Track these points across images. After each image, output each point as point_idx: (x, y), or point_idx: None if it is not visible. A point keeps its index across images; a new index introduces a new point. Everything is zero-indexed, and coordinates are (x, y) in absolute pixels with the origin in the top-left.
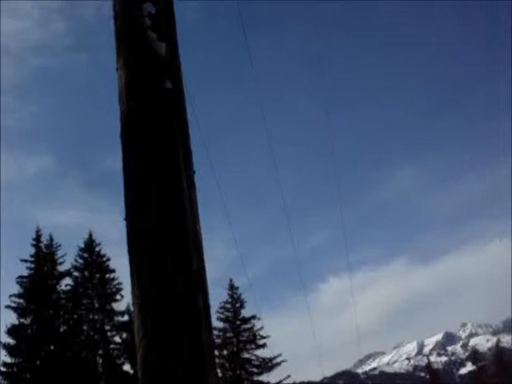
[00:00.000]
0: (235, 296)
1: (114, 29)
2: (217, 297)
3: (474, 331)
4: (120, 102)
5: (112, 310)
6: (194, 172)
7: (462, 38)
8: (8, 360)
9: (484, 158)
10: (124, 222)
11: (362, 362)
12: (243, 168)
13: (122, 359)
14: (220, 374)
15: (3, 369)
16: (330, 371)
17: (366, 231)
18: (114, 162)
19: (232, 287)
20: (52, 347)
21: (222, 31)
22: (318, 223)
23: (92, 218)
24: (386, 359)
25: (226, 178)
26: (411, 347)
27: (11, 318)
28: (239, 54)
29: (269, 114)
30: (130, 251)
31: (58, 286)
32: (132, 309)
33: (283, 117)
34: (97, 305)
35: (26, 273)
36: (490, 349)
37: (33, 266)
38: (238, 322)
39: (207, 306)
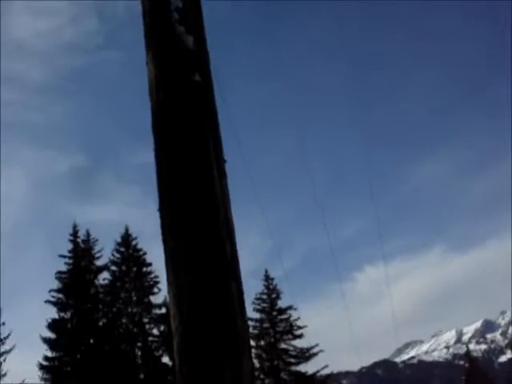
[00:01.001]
0: (271, 287)
1: (142, 24)
2: (253, 288)
3: None
4: (150, 95)
5: (150, 302)
6: (225, 161)
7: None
8: (49, 354)
9: None
10: (158, 214)
11: (400, 351)
12: (275, 159)
13: (161, 351)
14: (257, 365)
15: (45, 363)
16: (367, 361)
17: (399, 221)
18: (147, 155)
19: (267, 278)
20: (92, 341)
21: (254, 24)
22: (353, 213)
23: (128, 212)
24: (424, 348)
25: (259, 167)
26: (450, 335)
27: (51, 313)
28: (270, 44)
29: (301, 105)
30: (164, 241)
31: (96, 281)
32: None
33: (315, 108)
34: (135, 298)
35: (64, 268)
36: None
37: (71, 261)
38: (275, 313)
39: (241, 293)
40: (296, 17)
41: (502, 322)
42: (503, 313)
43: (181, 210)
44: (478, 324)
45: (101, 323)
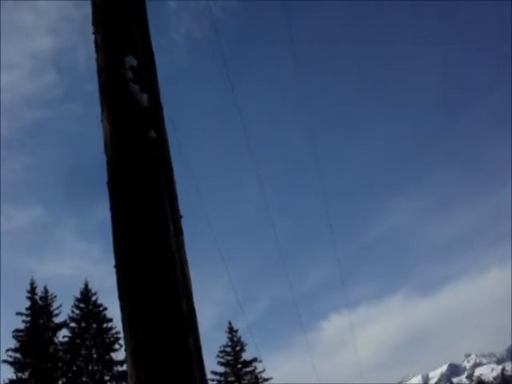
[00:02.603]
0: (235, 339)
1: (97, 82)
2: (218, 341)
3: (478, 361)
4: (106, 152)
5: (111, 359)
6: (181, 216)
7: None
8: None
9: (475, 187)
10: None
11: None
12: (236, 210)
13: None
14: None
15: None
16: None
17: (364, 266)
18: (107, 210)
19: (231, 330)
20: None
21: (208, 73)
22: (317, 261)
23: (87, 267)
24: None
25: (221, 221)
26: (416, 380)
27: (9, 373)
28: (226, 93)
29: (259, 153)
30: (121, 298)
31: (54, 338)
32: None
33: (274, 155)
34: (95, 355)
35: (22, 326)
36: (495, 378)
37: (28, 319)
38: (239, 366)
39: (199, 348)
40: (254, 59)
41: (467, 364)
42: (468, 356)
43: (137, 267)
44: (444, 368)
45: (60, 382)
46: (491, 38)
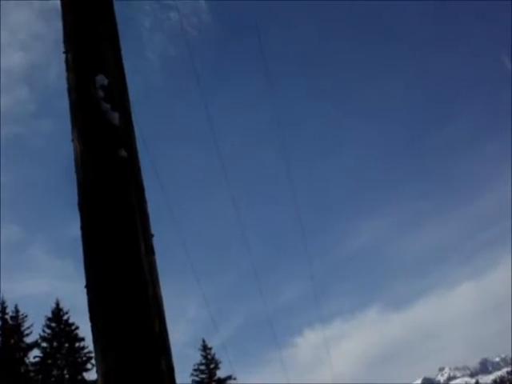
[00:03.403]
0: (209, 357)
1: (68, 101)
2: (191, 358)
3: (452, 374)
4: (76, 172)
5: (83, 379)
6: (152, 236)
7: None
8: None
9: (448, 202)
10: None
11: None
12: (210, 228)
13: None
14: None
15: None
16: None
17: (338, 282)
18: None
19: (205, 348)
20: None
21: (182, 91)
22: (292, 277)
23: (59, 285)
24: None
25: (194, 239)
26: None
27: None
28: (200, 111)
29: (232, 170)
30: (92, 319)
31: (26, 359)
32: None
33: (247, 171)
34: (67, 375)
35: None
36: None
37: None
38: None
39: (171, 369)
40: (227, 75)
41: (441, 378)
42: (442, 369)
43: (108, 288)
44: (418, 382)
45: None
46: (468, 52)
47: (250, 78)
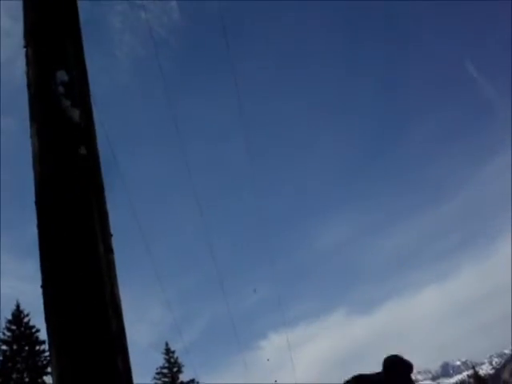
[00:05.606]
0: (172, 360)
1: (27, 96)
2: (154, 362)
3: (413, 378)
4: (34, 169)
5: (43, 383)
6: (111, 235)
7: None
8: None
9: (413, 206)
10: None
11: None
12: (174, 231)
13: None
14: None
15: None
16: None
17: (303, 284)
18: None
19: (168, 351)
20: None
21: (150, 91)
22: (256, 281)
23: (20, 287)
24: None
25: (158, 241)
26: None
27: None
28: (167, 111)
29: (198, 172)
30: (47, 319)
31: None
32: None
33: (213, 173)
34: (27, 379)
35: None
36: None
37: None
38: None
39: (128, 369)
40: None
41: None
42: None
43: (64, 287)
44: None
45: None
46: (435, 60)
47: (218, 78)
